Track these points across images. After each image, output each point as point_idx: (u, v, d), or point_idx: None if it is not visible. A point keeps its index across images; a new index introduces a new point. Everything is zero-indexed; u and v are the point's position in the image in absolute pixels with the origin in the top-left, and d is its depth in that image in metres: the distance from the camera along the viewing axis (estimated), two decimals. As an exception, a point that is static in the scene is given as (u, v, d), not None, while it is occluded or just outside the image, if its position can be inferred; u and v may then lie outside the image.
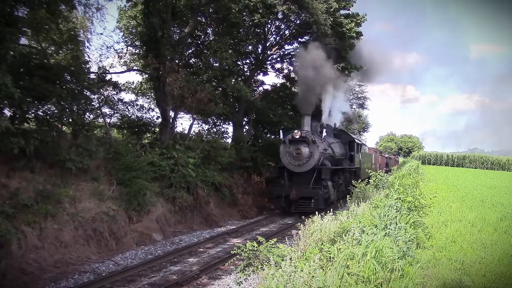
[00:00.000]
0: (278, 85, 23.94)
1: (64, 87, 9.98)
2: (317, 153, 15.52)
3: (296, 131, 15.81)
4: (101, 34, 27.03)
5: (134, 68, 17.06)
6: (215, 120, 20.89)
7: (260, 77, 23.24)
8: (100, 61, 13.95)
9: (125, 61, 16.88)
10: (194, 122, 18.20)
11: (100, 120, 13.81)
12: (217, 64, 19.33)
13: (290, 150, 15.68)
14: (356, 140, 20.75)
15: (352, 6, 19.91)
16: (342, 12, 19.50)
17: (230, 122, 21.24)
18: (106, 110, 14.42)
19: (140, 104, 16.63)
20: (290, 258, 5.00)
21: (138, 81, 18.03)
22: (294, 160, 15.62)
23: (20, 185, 8.34)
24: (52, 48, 11.24)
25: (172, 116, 15.26)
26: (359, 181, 14.52)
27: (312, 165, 15.43)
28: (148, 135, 16.63)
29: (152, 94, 17.22)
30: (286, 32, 20.97)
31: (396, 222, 7.10)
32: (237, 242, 8.26)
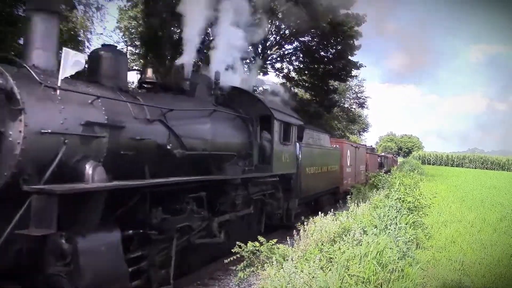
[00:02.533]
0: (278, 85, 23.96)
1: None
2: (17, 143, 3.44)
3: None
4: (101, 34, 27.04)
5: (134, 68, 17.08)
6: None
7: (260, 76, 23.30)
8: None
9: (125, 61, 16.90)
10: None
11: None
12: (217, 64, 19.28)
13: None
14: (276, 115, 8.17)
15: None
16: (342, 12, 19.55)
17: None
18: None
19: (140, 104, 16.65)
20: (291, 259, 5.01)
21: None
22: None
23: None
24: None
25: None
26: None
27: (2, 183, 3.47)
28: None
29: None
30: (287, 31, 20.98)
31: (396, 223, 7.13)
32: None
